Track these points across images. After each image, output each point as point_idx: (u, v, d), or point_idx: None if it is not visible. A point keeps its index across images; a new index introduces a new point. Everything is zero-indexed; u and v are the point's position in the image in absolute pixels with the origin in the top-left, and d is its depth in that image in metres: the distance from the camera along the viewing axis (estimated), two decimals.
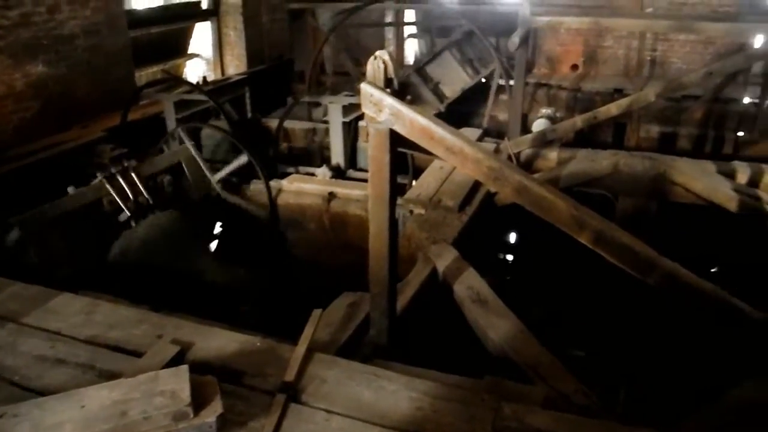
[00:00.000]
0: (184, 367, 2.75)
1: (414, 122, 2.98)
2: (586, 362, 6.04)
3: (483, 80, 8.81)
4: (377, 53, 3.12)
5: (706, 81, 7.44)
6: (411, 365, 3.50)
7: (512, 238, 7.38)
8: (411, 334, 4.05)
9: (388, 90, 3.09)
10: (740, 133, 8.80)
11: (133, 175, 5.14)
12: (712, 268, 7.36)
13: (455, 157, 2.95)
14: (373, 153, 3.18)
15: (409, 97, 7.08)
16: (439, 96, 8.16)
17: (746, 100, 9.10)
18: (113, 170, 5.04)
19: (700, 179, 6.06)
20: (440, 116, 7.99)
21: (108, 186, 4.99)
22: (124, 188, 5.09)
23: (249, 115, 7.67)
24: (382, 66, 3.09)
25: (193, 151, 5.87)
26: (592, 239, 2.77)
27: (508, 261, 7.50)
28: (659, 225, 6.41)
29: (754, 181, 6.34)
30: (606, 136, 9.06)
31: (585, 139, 8.32)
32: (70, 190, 4.87)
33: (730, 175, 6.36)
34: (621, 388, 5.60)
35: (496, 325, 3.81)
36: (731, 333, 2.98)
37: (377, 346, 3.66)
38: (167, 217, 5.37)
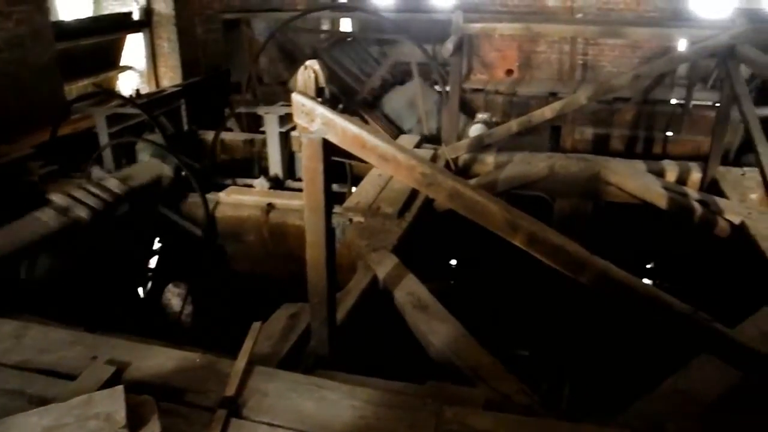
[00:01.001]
0: (119, 388, 2.68)
1: (346, 131, 2.98)
2: (530, 361, 6.14)
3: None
4: (307, 63, 3.12)
5: (635, 83, 7.68)
6: (355, 374, 3.49)
7: (455, 242, 7.44)
8: (354, 343, 4.05)
9: (320, 99, 3.08)
10: (669, 133, 9.10)
11: None
12: (648, 263, 7.59)
13: (388, 164, 2.96)
14: (307, 163, 3.16)
15: (341, 107, 7.06)
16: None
17: (673, 101, 9.42)
18: None
19: (632, 179, 6.23)
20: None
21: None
22: None
23: (185, 127, 7.53)
24: (312, 75, 3.09)
25: None
26: (526, 241, 2.81)
27: (451, 266, 7.57)
28: (596, 224, 6.57)
29: (682, 179, 6.57)
30: (542, 139, 9.23)
31: (521, 142, 8.46)
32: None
33: (660, 174, 6.57)
34: (565, 385, 5.71)
35: (437, 329, 3.83)
36: (662, 326, 3.06)
37: (319, 356, 3.64)
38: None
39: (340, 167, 6.31)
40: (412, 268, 4.54)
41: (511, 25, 7.02)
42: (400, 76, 9.27)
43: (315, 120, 3.02)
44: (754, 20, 5.99)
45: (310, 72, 3.08)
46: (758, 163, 4.84)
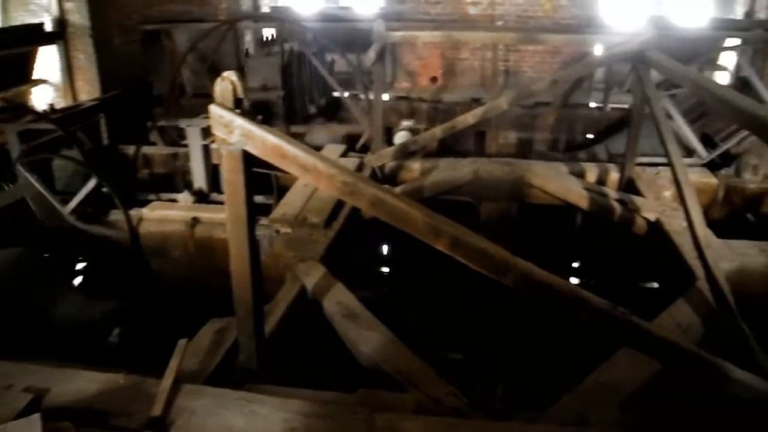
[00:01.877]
0: (36, 416, 2.59)
1: (266, 142, 2.96)
2: (464, 364, 6.20)
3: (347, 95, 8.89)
4: (224, 74, 3.09)
5: (554, 88, 7.89)
6: (286, 386, 3.46)
7: (385, 249, 7.47)
8: (285, 355, 4.01)
9: (238, 110, 3.05)
10: (589, 135, 9.39)
11: None
12: (574, 262, 7.79)
13: (310, 174, 2.96)
14: (227, 175, 3.13)
15: (260, 117, 7.00)
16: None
17: (592, 104, 9.73)
18: None
19: (554, 180, 6.41)
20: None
21: None
22: None
23: (105, 142, 7.31)
24: (230, 86, 3.05)
25: (37, 185, 5.55)
26: (449, 245, 2.85)
27: (383, 273, 7.59)
28: (522, 226, 6.72)
29: (601, 180, 6.79)
30: (468, 145, 9.39)
31: (448, 148, 8.58)
32: None
33: (580, 175, 6.77)
34: (498, 385, 5.78)
35: (366, 337, 3.84)
36: (584, 322, 3.16)
37: (248, 370, 3.59)
38: (8, 256, 5.04)
39: (265, 178, 6.25)
40: (342, 277, 4.53)
41: (432, 32, 7.13)
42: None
43: (234, 131, 2.99)
44: (660, 27, 6.27)
45: (227, 83, 3.04)
46: (669, 163, 5.04)
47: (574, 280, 7.64)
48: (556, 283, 2.86)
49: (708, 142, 7.69)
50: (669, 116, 7.75)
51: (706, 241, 4.51)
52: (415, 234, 2.91)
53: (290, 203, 5.66)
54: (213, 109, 3.00)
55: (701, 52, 9.18)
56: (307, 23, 9.51)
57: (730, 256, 4.99)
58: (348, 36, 9.72)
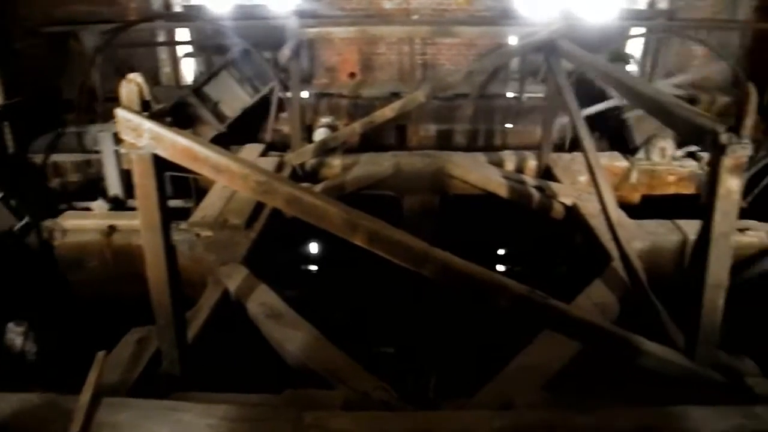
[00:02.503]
0: None
1: (176, 144, 2.89)
2: (396, 357, 6.24)
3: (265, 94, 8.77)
4: (129, 76, 2.99)
5: (470, 80, 7.99)
6: (213, 391, 3.41)
7: (311, 247, 7.43)
8: (211, 360, 3.95)
9: (146, 113, 2.97)
10: (507, 125, 9.58)
11: None
12: (499, 250, 7.95)
13: (223, 175, 2.91)
14: (139, 180, 3.04)
15: (168, 119, 6.81)
16: (219, 116, 7.98)
17: (509, 94, 9.92)
18: None
19: (474, 171, 6.52)
20: (223, 136, 7.87)
21: None
22: None
23: (10, 151, 6.99)
24: (136, 89, 2.96)
25: None
26: (366, 239, 2.86)
27: (309, 271, 7.55)
28: (446, 217, 6.80)
29: (519, 168, 6.95)
30: (389, 139, 9.43)
31: (369, 143, 8.59)
32: None
33: (500, 164, 6.92)
34: (431, 376, 5.85)
35: (291, 337, 3.82)
36: (503, 308, 3.23)
37: (172, 378, 3.52)
38: None
39: (183, 182, 6.12)
40: (266, 278, 4.49)
41: (347, 28, 7.12)
42: None
43: (143, 135, 2.91)
44: (569, 18, 6.44)
45: (132, 85, 2.95)
46: (582, 148, 5.20)
47: (499, 268, 7.81)
48: (474, 272, 2.91)
49: None
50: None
51: (619, 223, 4.68)
52: (332, 230, 2.91)
53: (210, 205, 5.55)
54: (119, 112, 2.92)
55: (610, 41, 9.47)
56: (222, 22, 9.31)
57: (642, 236, 5.19)
58: (264, 34, 9.59)
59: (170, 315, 3.30)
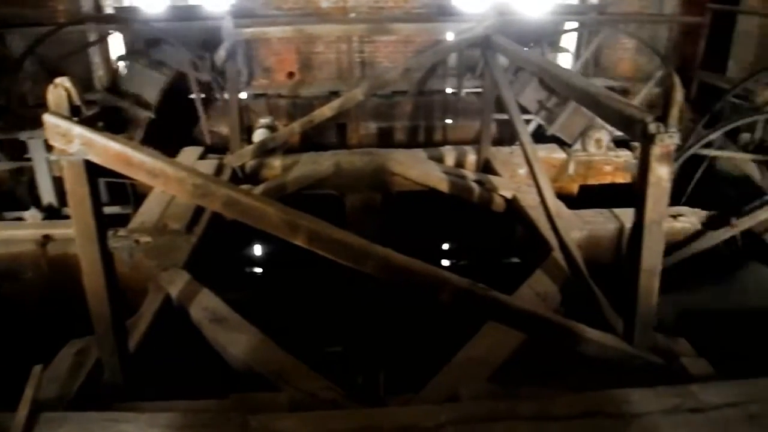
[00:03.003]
0: None
1: (108, 149, 2.82)
2: (344, 356, 6.23)
3: (203, 96, 8.61)
4: (57, 80, 2.91)
5: (407, 76, 8.04)
6: (158, 400, 3.34)
7: (255, 248, 7.36)
8: (155, 367, 3.87)
9: (76, 118, 2.89)
10: (448, 121, 9.67)
11: None
12: (445, 245, 8.02)
13: (158, 179, 2.86)
14: (71, 188, 2.96)
15: (101, 124, 6.64)
16: (145, 105, 7.81)
17: (448, 90, 10.01)
18: None
19: (414, 167, 6.56)
20: (155, 125, 7.68)
21: None
22: None
23: None
24: (64, 93, 2.88)
25: None
26: (307, 239, 2.85)
27: (255, 273, 7.47)
28: (391, 215, 6.82)
29: (460, 162, 7.02)
30: (330, 138, 9.41)
31: (310, 142, 8.56)
32: None
33: (440, 160, 6.98)
34: (380, 373, 5.87)
35: (236, 340, 3.78)
36: (446, 301, 3.26)
37: (115, 389, 3.44)
38: None
39: (121, 187, 5.98)
40: (208, 282, 4.42)
41: (283, 27, 7.06)
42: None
43: (73, 141, 2.83)
44: (503, 13, 6.54)
45: (60, 90, 2.87)
46: (520, 142, 5.29)
47: (445, 263, 7.88)
48: (415, 267, 2.93)
49: None
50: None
51: (557, 213, 4.77)
52: (272, 231, 2.89)
53: (149, 211, 5.44)
54: (47, 118, 2.84)
55: (544, 35, 9.65)
56: (155, 24, 9.12)
57: (580, 225, 5.32)
58: (200, 35, 9.44)
59: (110, 324, 3.22)
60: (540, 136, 7.45)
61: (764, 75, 7.11)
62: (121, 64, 10.11)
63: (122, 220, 5.60)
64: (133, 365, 3.53)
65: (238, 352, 3.69)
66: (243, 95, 9.28)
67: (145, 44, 8.29)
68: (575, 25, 10.56)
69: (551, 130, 7.70)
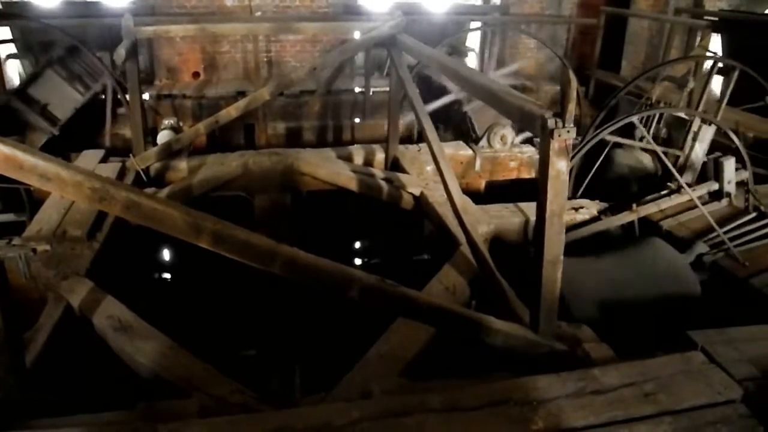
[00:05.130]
0: None
1: None
2: (259, 359, 6.16)
3: (103, 96, 8.29)
4: None
5: (314, 76, 8.01)
6: (62, 415, 3.19)
7: (163, 253, 7.15)
8: (58, 381, 3.71)
9: None
10: (356, 120, 9.70)
11: None
12: (356, 243, 8.04)
13: (53, 184, 2.73)
14: None
15: None
16: (50, 119, 7.46)
17: (356, 89, 10.04)
18: None
19: (323, 166, 6.53)
20: (57, 141, 7.38)
21: None
22: None
23: None
24: None
25: None
26: (211, 241, 2.80)
27: (164, 279, 7.27)
28: (301, 215, 6.78)
29: (368, 161, 7.05)
30: (238, 139, 9.27)
31: (217, 144, 8.40)
32: None
33: (348, 159, 6.98)
34: (295, 374, 5.83)
35: (143, 348, 3.66)
36: (355, 299, 3.27)
37: (12, 407, 3.26)
38: None
39: (14, 193, 5.68)
40: (113, 290, 4.26)
41: (185, 26, 6.86)
42: None
43: None
44: (408, 13, 6.61)
45: None
46: (426, 139, 5.36)
47: (357, 261, 7.91)
48: (323, 266, 2.93)
49: None
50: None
51: (464, 209, 4.87)
52: (176, 234, 2.82)
53: (46, 218, 5.17)
54: None
55: (449, 34, 9.83)
56: (49, 20, 8.70)
57: (487, 220, 5.46)
58: (100, 32, 9.08)
59: (2, 339, 3.05)
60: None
61: (653, 72, 7.50)
62: (12, 63, 9.64)
63: (17, 228, 5.33)
64: (32, 381, 3.36)
65: (146, 360, 3.57)
66: (146, 96, 9.02)
67: (66, 52, 7.87)
68: (478, 24, 10.81)
69: (467, 107, 7.86)
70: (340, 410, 2.96)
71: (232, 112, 6.36)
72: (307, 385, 5.68)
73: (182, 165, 6.51)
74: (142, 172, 6.30)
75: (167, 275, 7.25)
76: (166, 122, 7.67)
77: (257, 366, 5.86)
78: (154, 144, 7.00)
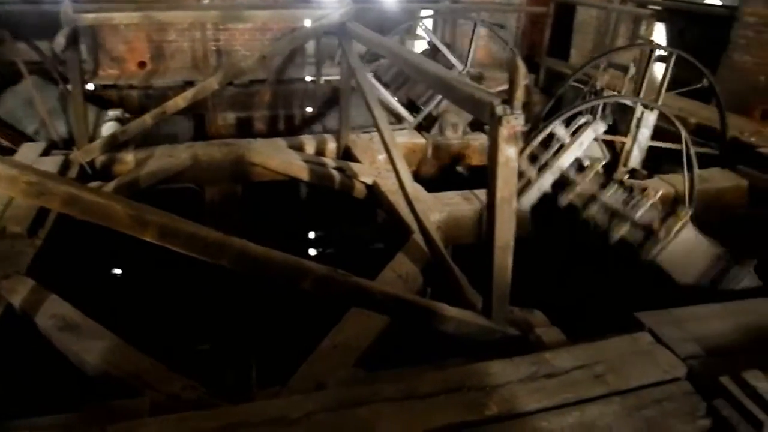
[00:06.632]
0: None
1: None
2: (214, 354, 6.08)
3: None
4: None
5: (264, 64, 7.90)
6: (5, 420, 3.08)
7: (110, 248, 6.97)
8: None
9: None
10: (308, 109, 9.62)
11: None
12: (311, 233, 7.99)
13: None
14: None
15: None
16: None
17: (307, 78, 9.95)
18: None
19: (274, 156, 6.45)
20: None
21: None
22: None
23: None
24: None
25: None
26: (157, 235, 2.72)
27: (114, 275, 7.10)
28: (253, 206, 6.69)
29: (320, 151, 6.99)
30: (187, 130, 9.10)
31: (166, 135, 8.22)
32: None
33: (300, 148, 6.91)
34: (252, 368, 5.77)
35: (90, 347, 3.55)
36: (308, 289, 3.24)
37: None
38: None
39: None
40: (58, 288, 4.12)
41: (129, 14, 6.64)
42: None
43: None
44: (358, 0, 6.54)
45: None
46: (377, 127, 5.33)
47: (312, 252, 7.86)
48: (273, 257, 2.88)
49: (413, 106, 8.27)
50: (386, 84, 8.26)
51: (416, 197, 4.87)
52: (120, 229, 2.74)
53: None
54: None
55: (401, 22, 9.80)
56: None
57: (439, 207, 5.47)
58: (38, 20, 8.77)
59: None
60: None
61: (601, 61, 7.61)
62: None
63: None
64: None
65: (94, 359, 3.47)
66: (90, 86, 8.78)
67: None
68: (430, 12, 10.81)
69: None
70: (295, 403, 2.92)
71: (179, 102, 6.21)
72: (264, 379, 5.64)
73: (129, 157, 6.34)
74: (86, 165, 6.11)
75: (117, 271, 7.08)
76: (110, 113, 7.46)
77: (213, 361, 5.79)
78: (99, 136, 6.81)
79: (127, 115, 7.69)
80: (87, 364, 3.55)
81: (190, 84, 8.92)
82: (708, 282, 4.76)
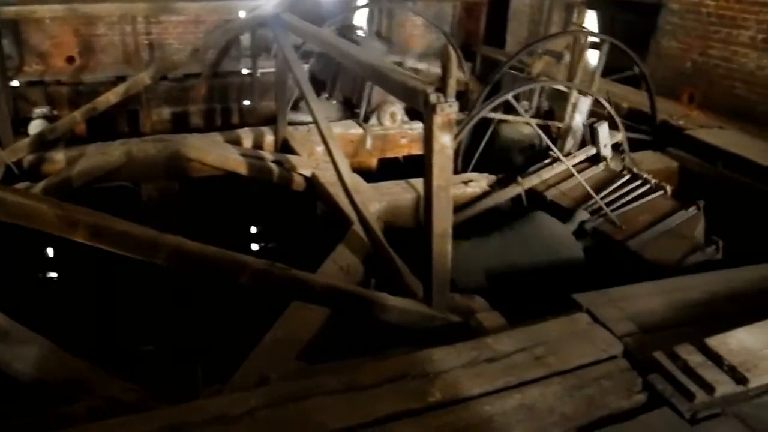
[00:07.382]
0: None
1: None
2: (157, 355, 5.97)
3: None
4: None
5: (198, 57, 7.75)
6: None
7: (44, 251, 6.76)
8: None
9: None
10: (245, 102, 9.49)
11: None
12: (252, 228, 7.90)
13: None
14: None
15: None
16: None
17: (244, 71, 9.80)
18: None
19: (211, 151, 6.34)
20: None
21: None
22: None
23: None
24: None
25: None
26: (88, 235, 2.65)
27: (49, 278, 6.88)
28: (191, 202, 6.57)
29: (257, 144, 6.91)
30: (121, 126, 8.89)
31: (99, 132, 8.00)
32: None
33: (237, 142, 6.82)
34: (197, 366, 5.67)
35: (21, 354, 3.42)
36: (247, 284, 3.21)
37: None
38: None
39: None
40: None
41: (53, 7, 6.42)
42: None
43: None
44: None
45: None
46: (314, 119, 5.31)
47: (254, 246, 7.78)
48: (209, 253, 2.84)
49: (348, 103, 8.25)
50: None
51: (354, 188, 4.88)
52: (48, 230, 2.65)
53: None
54: None
55: (336, 14, 9.75)
56: None
57: (378, 197, 5.49)
58: None
59: None
60: None
61: (536, 47, 7.73)
62: None
63: None
64: None
65: (26, 367, 3.34)
66: (15, 83, 8.47)
67: None
68: (365, 2, 10.79)
69: None
70: (238, 400, 2.89)
71: (111, 98, 6.06)
72: (211, 378, 5.57)
73: (59, 156, 6.13)
74: (13, 166, 5.89)
75: (52, 274, 6.87)
76: (38, 111, 7.21)
77: (157, 362, 5.68)
78: (26, 135, 6.57)
79: (55, 113, 7.44)
80: (19, 373, 3.42)
81: (122, 79, 8.67)
82: None
